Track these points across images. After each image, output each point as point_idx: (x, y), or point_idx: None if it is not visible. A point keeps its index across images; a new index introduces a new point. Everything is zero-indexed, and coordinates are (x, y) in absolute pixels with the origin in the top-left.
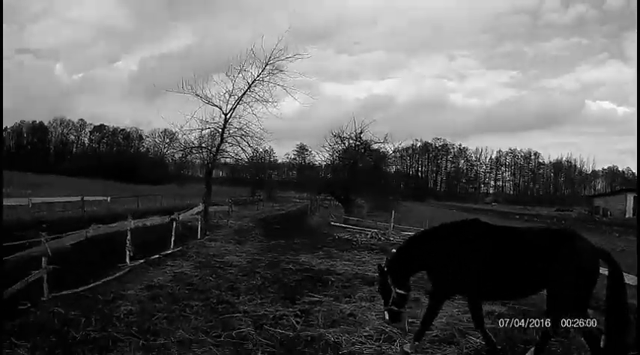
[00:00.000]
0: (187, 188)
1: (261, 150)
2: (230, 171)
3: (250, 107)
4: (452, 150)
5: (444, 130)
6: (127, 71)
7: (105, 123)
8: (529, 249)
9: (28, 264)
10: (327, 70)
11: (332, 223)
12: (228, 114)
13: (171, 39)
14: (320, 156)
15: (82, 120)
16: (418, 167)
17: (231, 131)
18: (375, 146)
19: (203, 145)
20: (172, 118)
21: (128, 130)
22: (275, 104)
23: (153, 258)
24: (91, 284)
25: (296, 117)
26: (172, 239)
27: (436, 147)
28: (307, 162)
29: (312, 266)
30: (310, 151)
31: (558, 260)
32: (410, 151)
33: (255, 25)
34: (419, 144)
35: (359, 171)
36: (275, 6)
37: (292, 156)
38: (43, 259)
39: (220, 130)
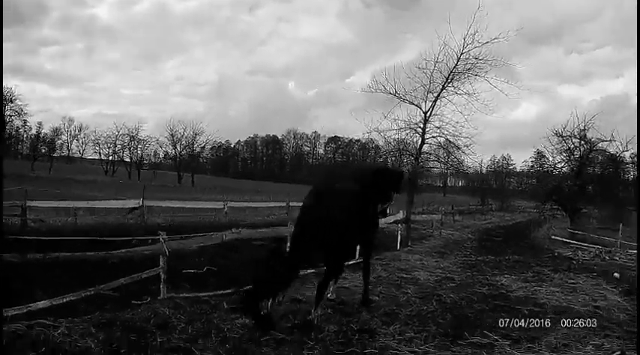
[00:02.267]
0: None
1: (498, 158)
2: (468, 180)
3: (450, 102)
4: None
5: None
6: (360, 85)
7: (339, 135)
8: None
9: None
10: (560, 71)
11: (552, 237)
12: (428, 113)
13: (401, 50)
14: (548, 159)
15: (315, 132)
16: None
17: (431, 132)
18: (601, 145)
19: (402, 148)
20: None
21: (364, 141)
22: (476, 97)
23: None
24: (226, 291)
25: (535, 123)
26: (358, 248)
27: None
28: (544, 169)
29: (510, 292)
30: (548, 157)
31: None
32: None
33: (480, 30)
34: None
35: (586, 176)
36: (503, 8)
37: (530, 164)
38: (161, 258)
39: (420, 130)
